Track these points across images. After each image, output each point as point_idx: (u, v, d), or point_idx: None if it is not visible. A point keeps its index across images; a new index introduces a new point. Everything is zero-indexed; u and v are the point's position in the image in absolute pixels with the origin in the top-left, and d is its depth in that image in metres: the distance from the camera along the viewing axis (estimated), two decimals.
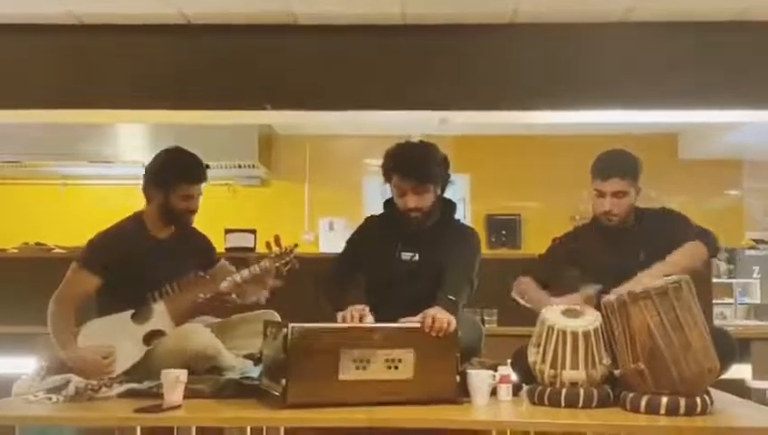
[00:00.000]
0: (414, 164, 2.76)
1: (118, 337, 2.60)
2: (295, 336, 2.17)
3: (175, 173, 2.82)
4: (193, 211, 2.86)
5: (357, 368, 2.22)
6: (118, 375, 2.53)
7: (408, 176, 2.74)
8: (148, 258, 2.76)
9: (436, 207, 2.83)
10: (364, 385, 2.22)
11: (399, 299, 2.65)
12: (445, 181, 2.85)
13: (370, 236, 2.93)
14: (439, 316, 2.33)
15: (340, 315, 2.51)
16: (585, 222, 3.01)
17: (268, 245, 2.75)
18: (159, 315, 2.66)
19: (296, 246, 2.78)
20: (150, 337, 2.62)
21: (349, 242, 2.98)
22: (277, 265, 2.72)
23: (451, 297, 2.52)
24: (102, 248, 2.77)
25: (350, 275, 2.85)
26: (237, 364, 2.59)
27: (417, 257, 2.81)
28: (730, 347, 2.52)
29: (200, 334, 2.59)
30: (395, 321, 2.39)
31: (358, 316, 2.45)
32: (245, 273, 2.71)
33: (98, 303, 2.74)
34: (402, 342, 2.27)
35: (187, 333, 2.58)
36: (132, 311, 2.66)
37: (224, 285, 2.70)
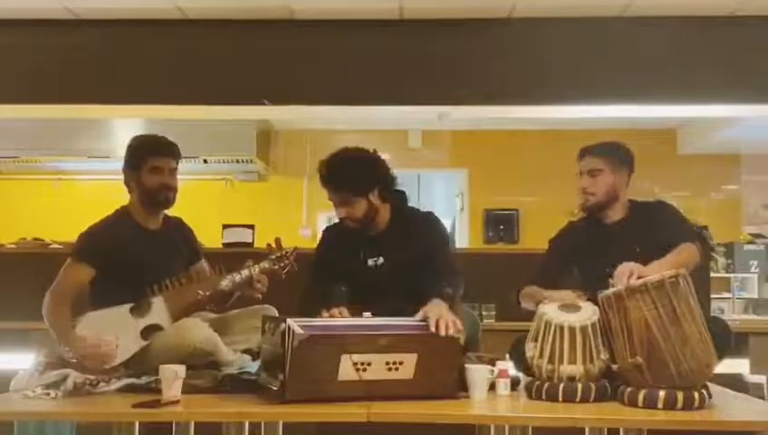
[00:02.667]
0: (338, 178, 2.75)
1: (116, 330, 2.60)
2: (297, 341, 2.13)
3: (140, 149, 2.85)
4: (167, 187, 2.81)
5: (357, 370, 2.20)
6: (115, 368, 2.53)
7: (333, 190, 2.76)
8: (139, 249, 2.77)
9: (377, 211, 2.78)
10: (363, 384, 2.21)
11: (377, 302, 2.61)
12: (383, 184, 2.80)
13: (334, 247, 2.89)
14: (443, 317, 2.30)
15: (324, 314, 2.51)
16: (580, 217, 3.01)
17: (269, 246, 2.77)
18: (158, 310, 2.66)
19: (296, 248, 2.79)
20: (148, 331, 2.62)
21: (315, 259, 2.92)
22: (276, 267, 2.74)
23: (448, 290, 2.53)
24: (94, 239, 2.77)
25: (330, 289, 2.80)
26: (235, 359, 2.59)
27: (381, 261, 2.79)
28: (726, 336, 2.52)
29: (198, 330, 2.59)
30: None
31: (338, 315, 2.47)
32: (245, 273, 2.72)
33: (93, 296, 2.74)
34: (405, 346, 2.25)
35: (186, 329, 2.58)
36: (131, 305, 2.67)
37: (224, 283, 2.71)
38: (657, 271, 2.31)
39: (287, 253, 2.77)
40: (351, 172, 2.75)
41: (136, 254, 2.75)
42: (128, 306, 2.66)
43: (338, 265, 2.83)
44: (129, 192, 2.86)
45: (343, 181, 2.73)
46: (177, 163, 2.87)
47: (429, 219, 2.88)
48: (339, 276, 2.83)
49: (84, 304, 2.73)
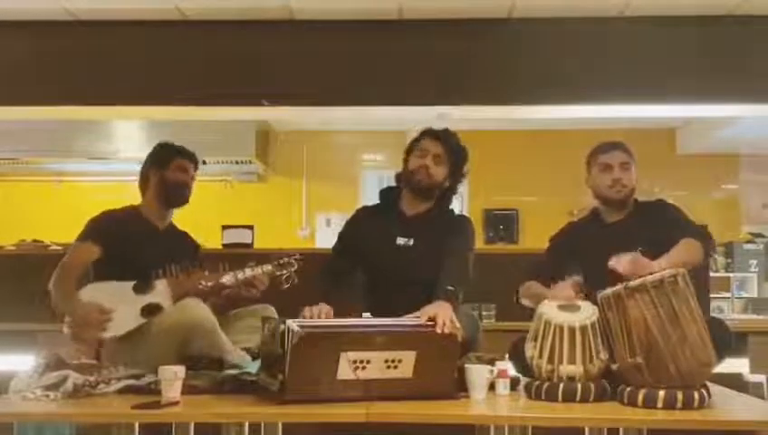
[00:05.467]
0: (449, 139, 2.96)
1: (117, 302, 2.65)
2: (295, 337, 2.14)
3: (171, 150, 3.01)
4: (188, 185, 2.97)
5: (356, 368, 2.20)
6: (114, 365, 2.53)
7: (433, 138, 2.93)
8: (146, 241, 2.85)
9: (440, 185, 2.90)
10: (362, 383, 2.21)
11: (398, 285, 2.75)
12: (456, 172, 2.95)
13: (365, 224, 2.99)
14: (440, 314, 2.33)
15: (306, 311, 2.58)
16: (582, 216, 3.02)
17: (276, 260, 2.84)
18: (160, 291, 2.70)
19: (300, 258, 2.84)
20: (148, 310, 2.65)
21: (342, 233, 3.04)
22: (278, 273, 2.80)
23: (449, 288, 2.55)
24: (101, 221, 2.87)
25: (344, 269, 2.92)
26: (232, 351, 2.61)
27: (411, 243, 2.87)
28: (726, 337, 2.52)
29: (199, 308, 2.62)
30: (395, 308, 2.42)
31: (317, 314, 2.55)
32: (248, 271, 2.78)
33: (95, 279, 2.78)
34: (404, 343, 2.26)
35: (186, 306, 2.62)
36: (134, 282, 2.70)
37: (226, 278, 2.76)
38: (660, 267, 2.32)
39: (290, 261, 2.82)
40: (456, 138, 2.98)
41: (140, 242, 2.82)
42: (131, 283, 2.71)
43: (367, 239, 2.91)
44: (145, 190, 2.97)
45: (453, 145, 2.94)
46: (196, 171, 3.03)
47: (464, 220, 3.00)
48: (364, 251, 2.91)
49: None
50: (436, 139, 2.93)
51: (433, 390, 2.26)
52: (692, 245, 2.60)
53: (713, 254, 2.78)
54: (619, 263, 2.36)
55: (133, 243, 2.80)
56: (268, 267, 2.79)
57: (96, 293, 2.68)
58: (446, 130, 2.98)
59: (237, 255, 4.05)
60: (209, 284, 2.74)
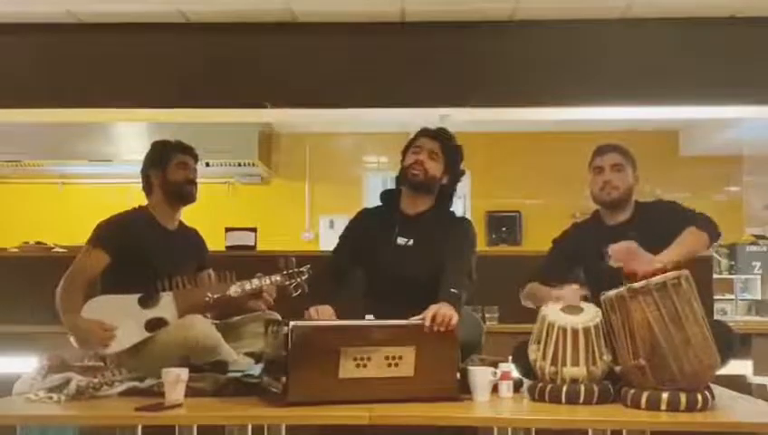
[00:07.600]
0: (445, 135, 2.96)
1: (121, 316, 2.64)
2: (297, 334, 2.17)
3: (168, 147, 2.99)
4: (192, 181, 2.94)
5: (357, 365, 2.22)
6: (118, 368, 2.53)
7: (429, 136, 2.93)
8: (156, 244, 2.83)
9: (437, 181, 2.89)
10: (365, 382, 2.22)
11: (398, 286, 2.74)
12: (452, 170, 2.93)
13: (366, 225, 2.99)
14: (442, 311, 2.35)
15: (312, 311, 2.59)
16: (585, 218, 3.02)
17: (284, 261, 2.83)
18: (166, 305, 2.69)
19: (309, 268, 2.82)
20: (153, 324, 2.65)
21: (343, 234, 3.04)
22: (287, 283, 2.78)
23: (453, 290, 2.54)
24: (111, 227, 2.84)
25: (345, 269, 2.92)
26: (238, 359, 2.61)
27: (411, 243, 2.87)
28: (730, 340, 2.52)
29: (201, 325, 2.62)
30: (396, 308, 2.43)
31: (321, 314, 2.56)
32: (255, 282, 2.76)
33: (103, 286, 2.78)
34: (403, 339, 2.28)
35: (189, 323, 2.61)
36: (140, 295, 2.69)
37: (233, 289, 2.74)
38: (660, 261, 2.32)
39: (301, 270, 2.81)
40: (453, 137, 2.96)
41: (151, 247, 2.80)
42: (136, 296, 2.69)
43: (368, 239, 2.91)
44: (150, 193, 2.95)
45: (449, 143, 2.93)
46: (196, 164, 3.01)
47: (464, 222, 2.99)
48: (365, 251, 2.90)
49: (95, 294, 2.76)
50: (432, 137, 2.94)
51: (435, 390, 2.26)
52: (695, 233, 2.61)
53: (718, 240, 2.76)
54: (614, 252, 2.38)
55: (145, 246, 2.79)
56: (276, 278, 2.77)
57: (100, 308, 2.67)
58: (441, 129, 2.99)
59: (240, 257, 4.08)
60: (215, 296, 2.72)
